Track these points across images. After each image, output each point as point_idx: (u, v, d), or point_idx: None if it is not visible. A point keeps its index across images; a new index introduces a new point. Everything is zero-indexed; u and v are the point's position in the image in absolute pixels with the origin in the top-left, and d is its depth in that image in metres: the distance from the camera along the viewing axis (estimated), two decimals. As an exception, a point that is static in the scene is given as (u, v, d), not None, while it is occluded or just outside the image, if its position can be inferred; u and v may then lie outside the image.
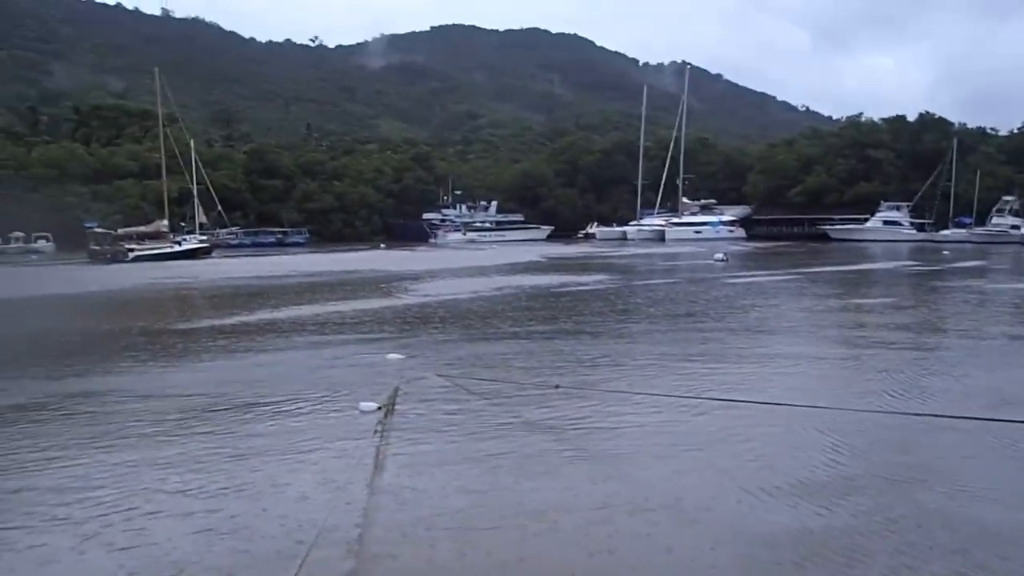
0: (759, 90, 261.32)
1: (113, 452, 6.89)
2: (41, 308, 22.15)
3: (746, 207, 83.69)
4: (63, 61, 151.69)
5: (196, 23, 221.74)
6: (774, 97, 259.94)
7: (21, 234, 67.52)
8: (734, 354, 11.58)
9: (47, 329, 16.71)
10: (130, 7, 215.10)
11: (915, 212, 71.56)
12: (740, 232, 75.93)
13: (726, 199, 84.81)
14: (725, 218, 77.79)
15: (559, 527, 5.05)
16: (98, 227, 55.29)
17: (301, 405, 8.50)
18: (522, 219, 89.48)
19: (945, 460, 6.42)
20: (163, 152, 56.21)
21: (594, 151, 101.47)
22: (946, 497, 5.50)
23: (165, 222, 54.40)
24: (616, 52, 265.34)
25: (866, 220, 70.32)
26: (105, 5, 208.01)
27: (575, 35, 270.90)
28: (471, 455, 6.63)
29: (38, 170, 71.82)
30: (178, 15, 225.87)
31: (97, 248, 49.66)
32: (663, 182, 77.74)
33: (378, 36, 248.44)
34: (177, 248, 50.92)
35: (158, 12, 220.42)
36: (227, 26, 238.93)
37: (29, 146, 78.34)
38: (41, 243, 66.82)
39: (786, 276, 28.30)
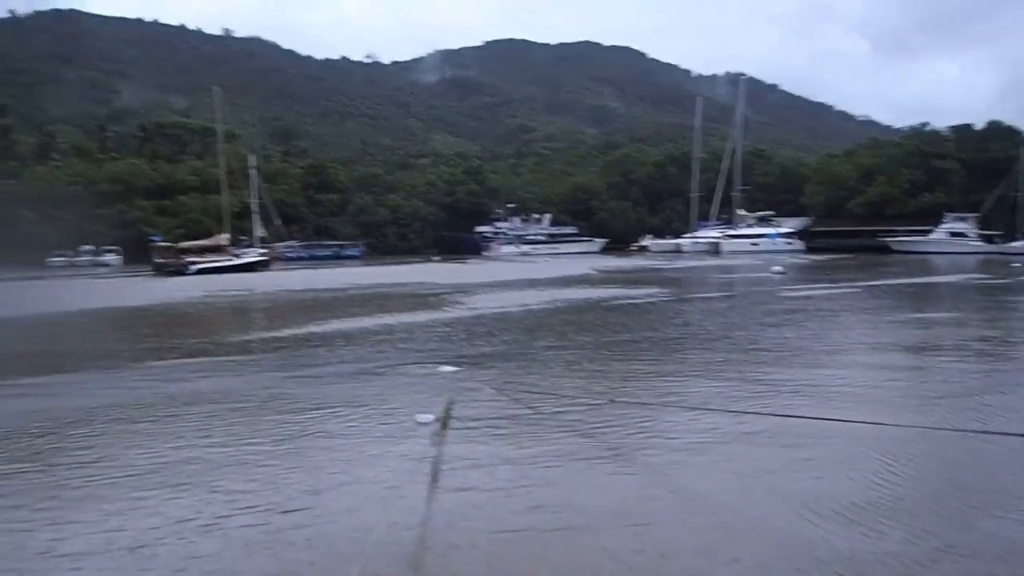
0: (817, 100, 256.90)
1: (164, 460, 7.04)
2: (101, 320, 22.92)
3: (804, 219, 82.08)
4: (130, 81, 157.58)
5: (255, 42, 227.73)
6: (832, 107, 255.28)
7: (91, 247, 70.14)
8: (790, 368, 11.35)
9: (104, 339, 17.29)
10: (193, 28, 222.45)
11: (982, 224, 69.19)
12: (798, 244, 74.40)
13: (783, 211, 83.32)
14: (783, 230, 76.31)
15: (609, 540, 5.01)
16: (161, 240, 57.06)
17: (355, 417, 8.59)
18: (575, 232, 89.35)
19: (1008, 483, 6.16)
20: (223, 168, 57.77)
21: (647, 163, 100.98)
22: (1008, 523, 5.27)
23: (226, 236, 55.80)
24: (669, 64, 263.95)
25: (930, 232, 68.28)
26: (169, 26, 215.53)
27: (627, 48, 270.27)
28: (524, 467, 6.62)
29: (106, 186, 74.63)
30: (239, 35, 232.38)
31: (160, 261, 51.21)
32: (718, 194, 76.86)
33: (432, 52, 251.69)
34: (237, 261, 52.19)
35: (220, 32, 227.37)
36: (286, 45, 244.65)
37: (98, 163, 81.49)
38: (109, 256, 69.29)
39: (846, 289, 27.62)
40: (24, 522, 5.57)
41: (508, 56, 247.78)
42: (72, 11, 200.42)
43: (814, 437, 7.25)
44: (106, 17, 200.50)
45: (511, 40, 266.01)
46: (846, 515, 5.38)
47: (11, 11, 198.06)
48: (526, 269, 46.85)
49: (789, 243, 73.76)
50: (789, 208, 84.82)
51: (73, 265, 66.48)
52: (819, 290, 27.61)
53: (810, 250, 72.59)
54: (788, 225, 78.17)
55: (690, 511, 5.52)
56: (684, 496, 5.86)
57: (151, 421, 8.63)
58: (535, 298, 25.16)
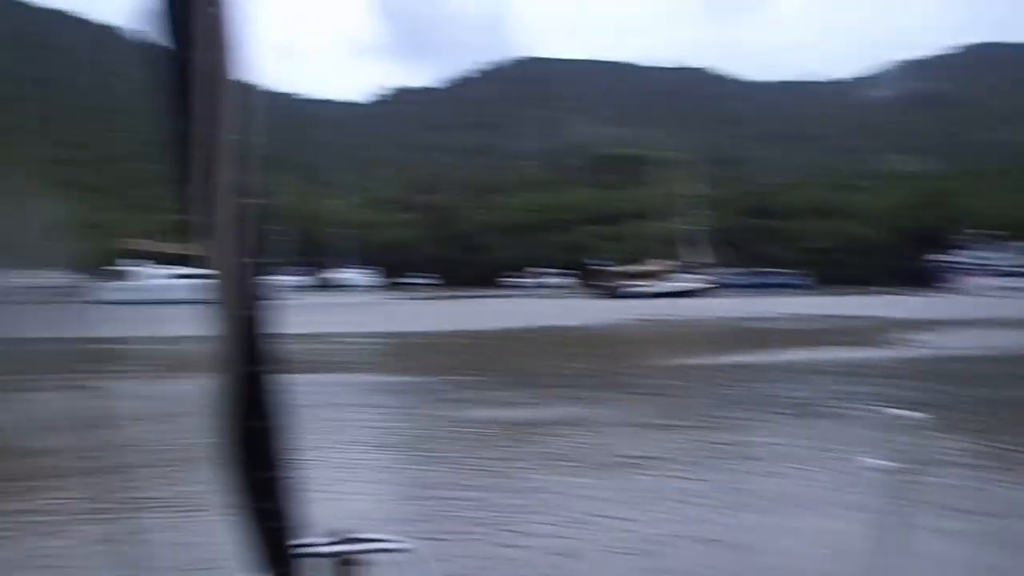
0: None
1: (566, 478, 7.32)
2: (538, 337, 25.21)
3: None
4: (580, 116, 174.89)
5: (696, 71, 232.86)
6: None
7: (542, 270, 78.19)
8: None
9: (531, 357, 18.98)
10: (635, 62, 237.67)
11: None
12: None
13: None
14: None
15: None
16: (600, 265, 61.18)
17: (793, 455, 8.11)
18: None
19: None
20: (664, 195, 60.03)
21: None
22: None
23: (663, 261, 57.59)
24: None
25: None
26: (614, 63, 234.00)
27: None
28: (991, 532, 5.62)
29: (560, 214, 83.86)
30: (678, 65, 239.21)
31: (596, 284, 55.01)
32: None
33: (887, 64, 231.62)
34: (673, 287, 53.55)
35: (660, 64, 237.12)
36: (726, 71, 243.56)
37: (555, 193, 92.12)
38: (557, 278, 76.12)
39: None
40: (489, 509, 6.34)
41: (977, 62, 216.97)
42: (531, 58, 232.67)
43: None
44: (558, 60, 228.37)
45: (981, 44, 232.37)
46: None
47: (490, 62, 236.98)
48: (999, 306, 39.55)
49: None
50: None
51: (518, 287, 74.64)
52: None
53: None
54: None
55: None
56: None
57: (573, 437, 9.21)
58: (1010, 340, 21.39)
